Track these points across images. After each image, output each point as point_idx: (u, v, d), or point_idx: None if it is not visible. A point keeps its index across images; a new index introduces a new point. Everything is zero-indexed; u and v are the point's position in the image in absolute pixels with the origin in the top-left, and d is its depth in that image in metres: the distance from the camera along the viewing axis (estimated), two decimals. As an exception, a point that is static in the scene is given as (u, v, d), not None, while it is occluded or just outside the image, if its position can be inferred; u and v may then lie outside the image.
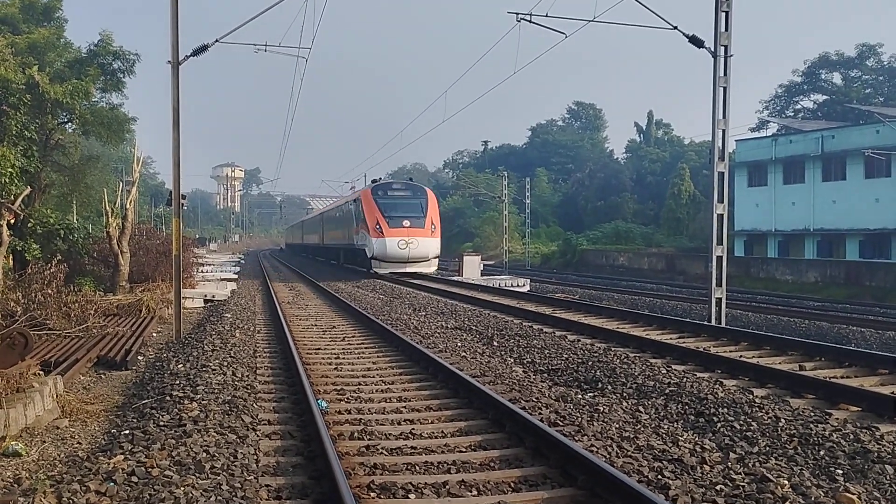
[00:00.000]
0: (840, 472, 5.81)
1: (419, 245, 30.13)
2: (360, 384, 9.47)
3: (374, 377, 9.97)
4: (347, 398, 8.65)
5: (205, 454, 6.05)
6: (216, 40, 16.09)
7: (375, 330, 14.38)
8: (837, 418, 7.24)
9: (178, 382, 9.17)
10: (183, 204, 15.97)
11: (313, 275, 33.25)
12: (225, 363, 10.40)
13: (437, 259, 31.82)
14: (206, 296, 22.18)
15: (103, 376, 11.00)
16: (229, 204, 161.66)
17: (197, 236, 76.86)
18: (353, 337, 13.91)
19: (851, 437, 6.50)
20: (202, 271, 33.20)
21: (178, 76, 14.85)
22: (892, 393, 8.23)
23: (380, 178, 34.82)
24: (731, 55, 15.99)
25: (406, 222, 30.21)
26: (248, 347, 12.09)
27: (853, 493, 5.27)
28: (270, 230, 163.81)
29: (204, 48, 15.78)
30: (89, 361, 11.62)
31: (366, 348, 12.54)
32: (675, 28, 16.84)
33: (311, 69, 33.16)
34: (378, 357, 11.61)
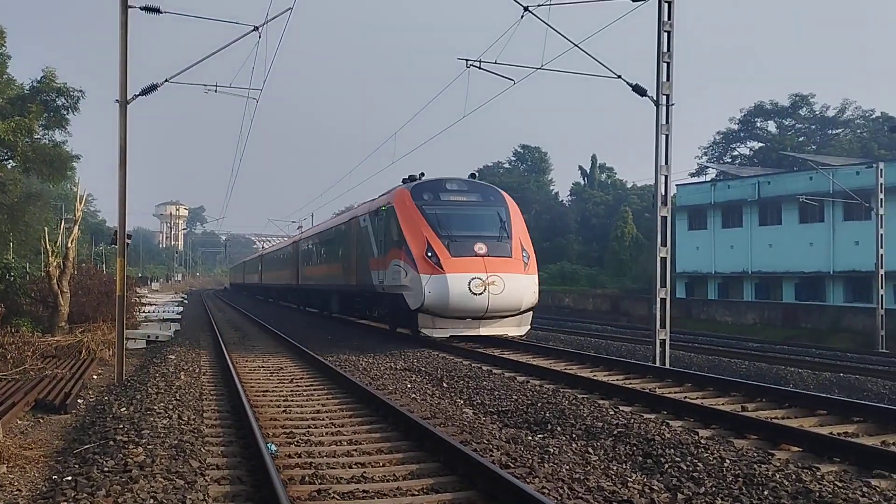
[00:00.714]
0: (783, 511, 5.97)
1: (506, 287, 17.22)
2: (309, 427, 9.38)
3: (323, 419, 9.88)
4: (297, 441, 8.55)
5: (152, 500, 5.92)
6: (166, 80, 16.02)
7: (324, 371, 14.27)
8: (780, 458, 7.43)
9: (121, 426, 8.95)
10: (127, 243, 15.69)
11: (276, 325, 32.60)
12: (170, 406, 10.19)
13: (531, 313, 18.74)
14: (148, 336, 21.71)
15: (42, 420, 10.67)
16: (172, 242, 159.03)
17: (139, 275, 75.34)
18: (302, 378, 13.77)
19: (793, 477, 6.68)
20: (144, 311, 32.50)
21: (125, 115, 14.71)
22: (831, 434, 8.50)
23: (419, 175, 20.57)
24: (673, 104, 16.54)
25: (480, 246, 17.65)
26: (194, 390, 11.88)
27: (796, 532, 5.43)
28: (214, 269, 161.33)
29: (153, 88, 15.70)
30: (27, 405, 11.27)
31: (315, 390, 12.42)
32: (619, 77, 17.38)
33: (260, 108, 32.87)
34: (327, 399, 11.51)
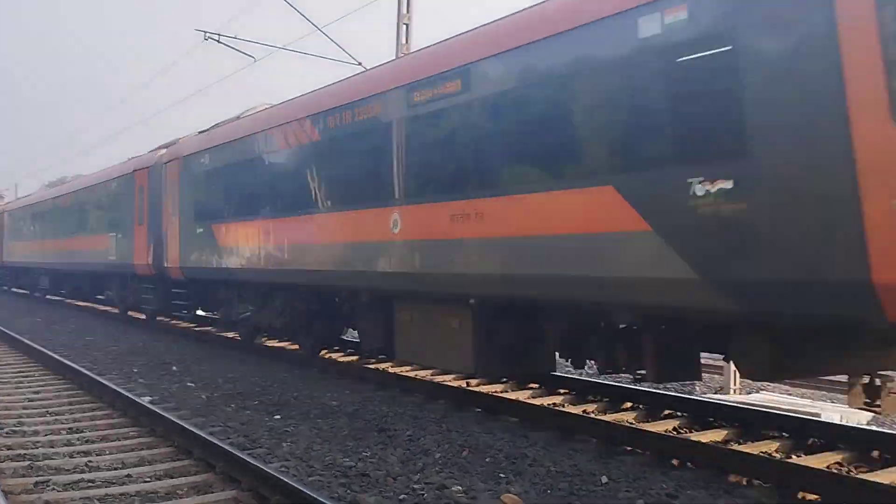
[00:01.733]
0: (503, 475, 6.58)
1: None
2: (21, 416, 8.58)
3: (37, 408, 9.08)
4: (6, 433, 7.80)
5: None
6: None
7: (35, 356, 13.07)
8: (499, 426, 8.16)
9: None
10: None
11: None
12: None
13: None
14: None
15: None
16: None
17: None
18: (9, 365, 12.49)
19: (511, 444, 7.38)
20: None
21: None
22: (542, 405, 9.43)
23: None
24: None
25: None
26: None
27: (514, 492, 6.04)
28: None
29: None
30: None
31: (25, 377, 11.34)
32: (360, 64, 17.69)
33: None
34: (41, 386, 10.56)
